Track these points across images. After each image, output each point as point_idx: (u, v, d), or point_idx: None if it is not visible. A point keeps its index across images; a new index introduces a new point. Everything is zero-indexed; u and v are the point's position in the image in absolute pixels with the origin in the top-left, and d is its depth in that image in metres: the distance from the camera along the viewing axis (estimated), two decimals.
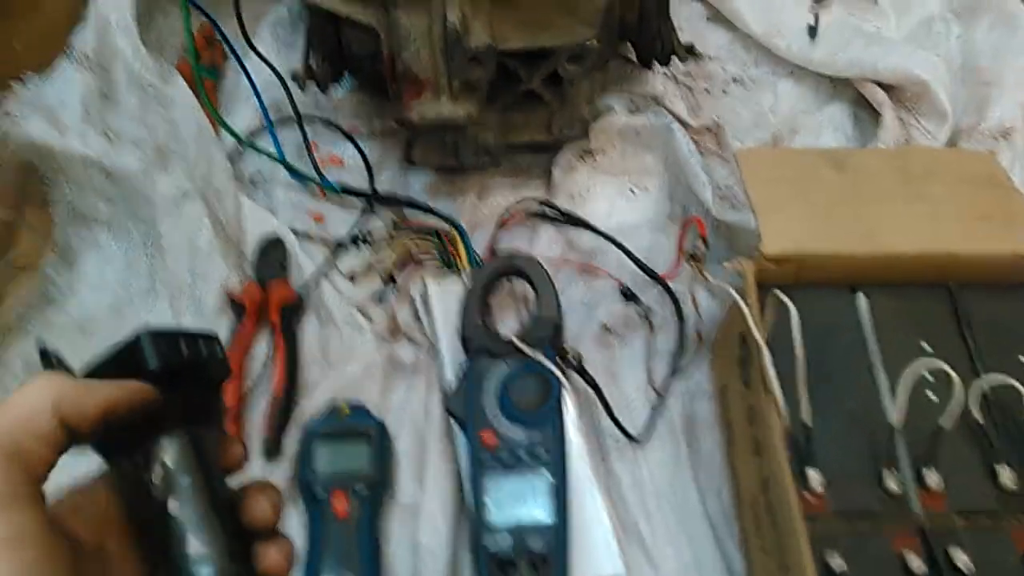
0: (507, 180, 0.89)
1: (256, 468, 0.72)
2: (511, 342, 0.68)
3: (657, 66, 0.88)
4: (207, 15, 0.83)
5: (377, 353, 0.77)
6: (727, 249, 0.83)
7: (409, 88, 0.76)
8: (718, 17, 1.00)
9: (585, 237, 0.84)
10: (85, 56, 0.84)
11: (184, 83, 0.87)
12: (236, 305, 0.78)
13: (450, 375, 0.72)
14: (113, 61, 0.85)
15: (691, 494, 0.71)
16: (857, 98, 0.95)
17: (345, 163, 0.90)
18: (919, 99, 0.88)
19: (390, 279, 0.81)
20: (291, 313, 0.79)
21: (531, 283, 0.72)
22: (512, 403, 0.66)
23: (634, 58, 0.90)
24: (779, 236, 0.66)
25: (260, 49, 0.84)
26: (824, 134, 0.92)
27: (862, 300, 0.67)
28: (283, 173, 0.88)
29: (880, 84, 0.91)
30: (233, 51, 0.85)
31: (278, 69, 0.85)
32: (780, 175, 0.71)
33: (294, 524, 0.68)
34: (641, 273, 0.81)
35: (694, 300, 0.75)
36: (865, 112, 0.94)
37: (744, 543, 0.68)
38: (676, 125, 0.85)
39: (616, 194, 0.88)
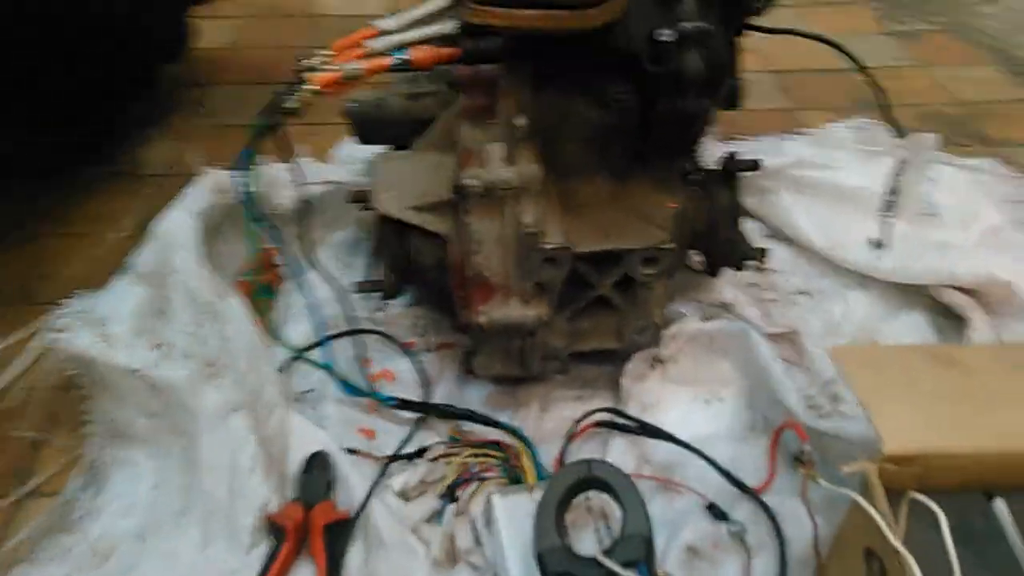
0: (571, 392, 0.84)
1: None
2: (597, 562, 0.59)
3: (725, 276, 0.86)
4: (272, 236, 0.84)
5: None
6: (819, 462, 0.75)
7: (478, 293, 0.73)
8: (779, 234, 0.99)
9: (661, 449, 0.77)
10: (144, 275, 0.83)
11: (238, 300, 0.85)
12: (276, 527, 0.70)
13: None
14: (170, 277, 0.84)
15: None
16: (933, 305, 0.91)
17: (397, 377, 0.86)
18: (1004, 302, 0.84)
19: (448, 497, 0.73)
20: (336, 537, 0.70)
21: (614, 495, 0.64)
22: None
23: (697, 267, 0.88)
24: (899, 434, 0.58)
25: (319, 269, 0.84)
26: (905, 340, 0.87)
27: (1001, 506, 0.58)
28: (333, 389, 0.84)
29: (960, 290, 0.87)
30: (296, 269, 0.84)
31: (336, 286, 0.84)
32: (883, 372, 0.65)
33: None
34: (728, 488, 0.73)
35: (809, 510, 0.65)
36: (943, 319, 0.90)
37: None
38: (753, 330, 0.81)
39: (689, 404, 0.82)
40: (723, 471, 0.73)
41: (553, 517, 0.63)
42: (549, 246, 0.70)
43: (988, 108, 1.29)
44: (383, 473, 0.74)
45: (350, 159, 1.08)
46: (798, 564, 0.69)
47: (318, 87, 0.76)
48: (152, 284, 0.83)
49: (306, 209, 0.93)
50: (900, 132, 0.86)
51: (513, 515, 0.68)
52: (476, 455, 0.75)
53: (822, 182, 1.02)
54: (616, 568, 0.58)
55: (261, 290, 0.94)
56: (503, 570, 0.65)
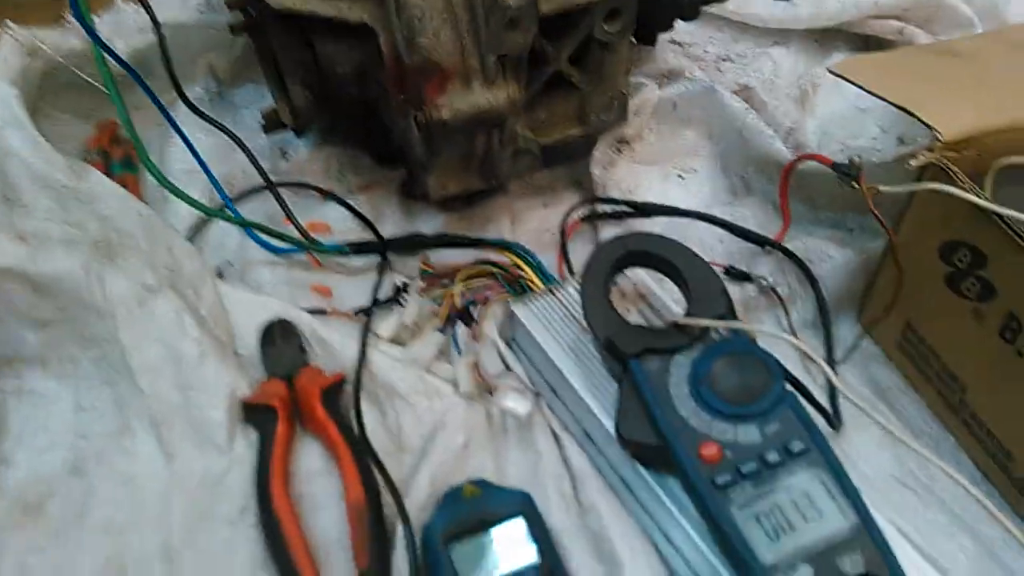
0: (536, 200, 0.74)
1: None
2: (679, 327, 0.51)
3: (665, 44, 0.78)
4: (144, 86, 0.65)
5: (472, 416, 0.57)
6: (809, 206, 0.71)
7: (430, 84, 0.60)
8: None
9: (657, 229, 0.69)
10: None
11: (104, 176, 0.67)
12: (258, 410, 0.56)
13: (592, 403, 0.53)
14: (7, 161, 0.64)
15: (939, 473, 0.54)
16: (853, 43, 0.89)
17: (332, 229, 0.72)
18: (933, 18, 0.83)
19: (451, 329, 0.62)
20: (336, 402, 0.57)
21: (661, 264, 0.55)
22: (723, 398, 0.47)
23: None
24: (948, 121, 0.54)
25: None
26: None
27: None
28: (259, 253, 0.69)
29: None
30: (172, 121, 0.66)
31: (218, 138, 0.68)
32: (898, 74, 0.61)
33: None
34: (738, 250, 0.68)
35: (880, 218, 0.57)
36: (869, 52, 0.88)
37: None
38: (719, 85, 0.74)
39: (664, 182, 0.75)
40: (739, 230, 0.66)
41: (605, 302, 0.53)
42: (512, 3, 0.58)
43: None
44: (369, 318, 0.61)
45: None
46: (837, 303, 0.65)
47: None
48: None
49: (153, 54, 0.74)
50: None
51: (543, 319, 0.58)
52: (469, 276, 0.64)
53: None
54: (709, 323, 0.50)
55: (118, 166, 0.75)
56: (553, 376, 0.56)
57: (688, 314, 0.51)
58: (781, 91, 0.82)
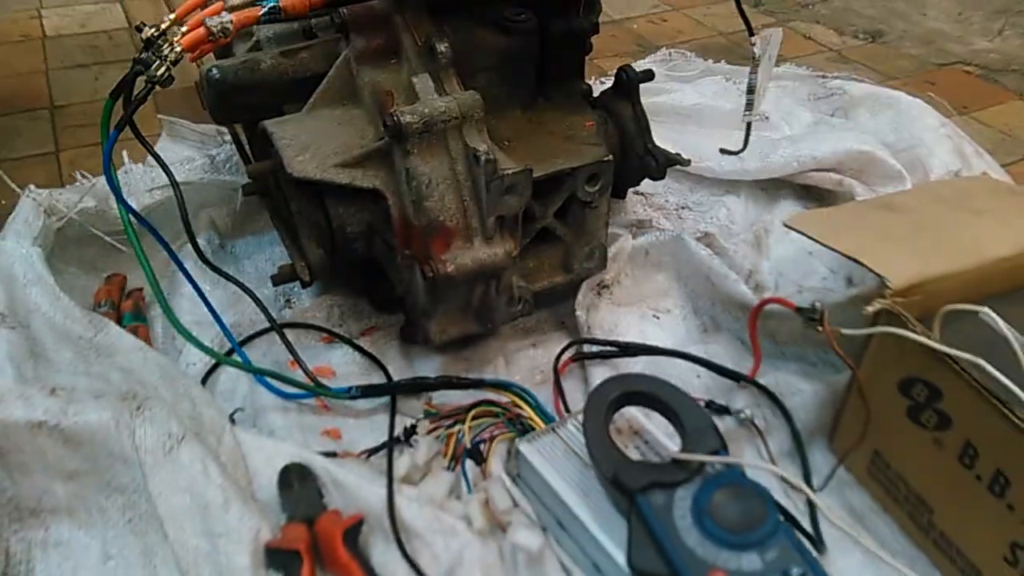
0: (526, 342, 0.80)
1: None
2: (679, 463, 0.56)
3: (631, 195, 0.86)
4: (163, 242, 0.71)
5: (487, 553, 0.60)
6: (772, 342, 0.78)
7: (436, 242, 0.67)
8: None
9: (640, 367, 0.75)
10: (1, 315, 0.66)
11: (120, 329, 0.71)
12: (281, 555, 0.59)
13: (601, 536, 0.57)
14: (32, 316, 0.68)
15: None
16: (797, 192, 0.99)
17: (337, 371, 0.76)
18: (866, 171, 0.93)
19: (460, 467, 0.66)
20: (356, 543, 0.60)
21: (655, 403, 0.61)
22: (725, 528, 0.52)
23: None
24: (896, 270, 0.62)
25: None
26: None
27: (990, 312, 0.63)
28: (268, 399, 0.72)
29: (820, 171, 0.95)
30: (187, 275, 0.71)
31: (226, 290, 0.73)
32: (846, 228, 0.69)
33: None
34: (715, 385, 0.74)
35: (842, 356, 0.64)
36: (810, 200, 0.98)
37: None
38: (686, 234, 0.82)
39: (641, 323, 0.82)
40: (715, 367, 0.73)
41: (608, 440, 0.59)
42: (509, 171, 0.65)
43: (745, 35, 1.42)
44: (390, 459, 0.65)
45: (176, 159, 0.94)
46: (810, 433, 0.71)
47: (182, 48, 0.65)
48: (10, 325, 0.66)
49: (167, 210, 0.79)
50: (750, 30, 0.91)
51: (547, 457, 0.62)
52: (475, 418, 0.68)
53: (663, 106, 1.07)
54: (706, 458, 0.55)
55: (129, 318, 0.78)
56: (561, 511, 0.60)
57: (684, 449, 0.57)
58: (737, 236, 0.91)
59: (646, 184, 0.97)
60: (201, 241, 0.86)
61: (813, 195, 0.99)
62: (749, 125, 0.94)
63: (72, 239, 0.83)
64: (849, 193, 0.92)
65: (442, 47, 0.67)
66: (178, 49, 0.64)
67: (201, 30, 0.65)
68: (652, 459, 0.62)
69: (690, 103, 1.08)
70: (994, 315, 0.57)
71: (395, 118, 0.64)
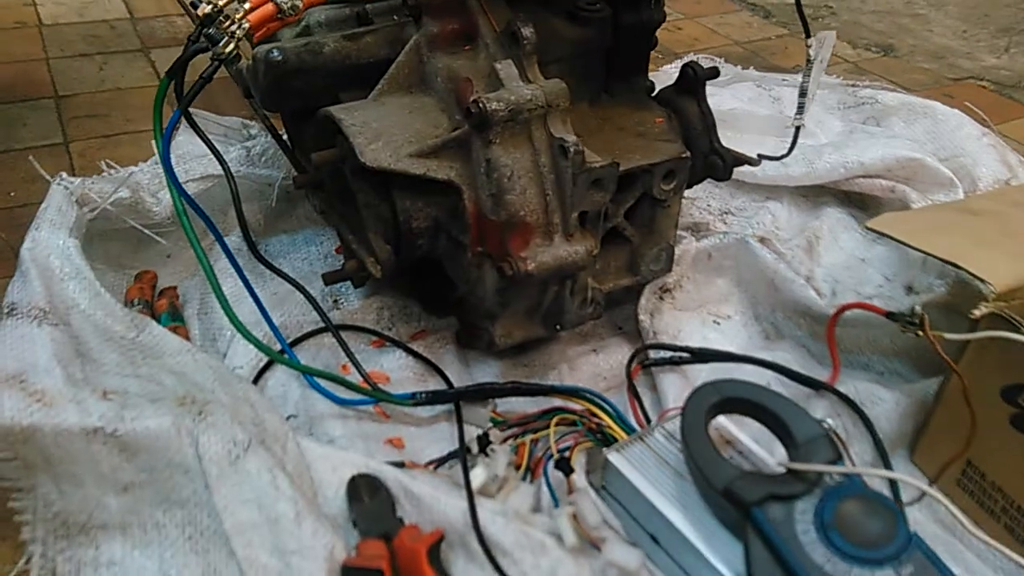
0: (586, 347, 0.76)
1: None
2: (796, 473, 0.53)
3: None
4: (213, 230, 0.66)
5: (581, 572, 0.56)
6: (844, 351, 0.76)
7: (515, 238, 0.63)
8: None
9: (706, 374, 0.72)
10: (41, 311, 0.60)
11: (163, 328, 0.66)
12: (360, 574, 0.54)
13: (708, 552, 0.54)
14: (71, 314, 0.62)
15: None
16: (840, 199, 0.97)
17: (392, 376, 0.71)
18: (914, 179, 0.92)
19: (537, 478, 0.62)
20: (439, 560, 0.56)
21: (760, 409, 0.58)
22: (854, 543, 0.49)
23: None
24: (996, 274, 0.60)
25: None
26: (840, 233, 0.92)
27: None
28: (323, 405, 0.68)
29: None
30: (239, 271, 0.66)
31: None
32: (928, 231, 0.67)
33: None
34: (793, 389, 0.71)
35: (947, 359, 0.61)
36: (854, 208, 0.96)
37: None
38: (750, 237, 0.79)
39: (703, 328, 0.79)
40: (793, 373, 0.70)
41: (714, 449, 0.55)
42: (597, 164, 0.62)
43: (762, 45, 1.42)
44: (467, 474, 0.60)
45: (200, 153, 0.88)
46: (891, 444, 0.68)
47: (250, 25, 0.60)
48: (52, 322, 0.60)
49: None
50: (807, 30, 0.90)
51: (639, 468, 0.59)
52: (548, 426, 0.64)
53: None
54: (826, 468, 0.52)
55: (167, 318, 0.73)
56: (657, 526, 0.56)
57: (793, 459, 0.54)
58: (789, 242, 0.89)
59: (686, 191, 0.96)
60: (233, 239, 0.81)
61: (855, 202, 0.97)
62: (798, 129, 0.91)
63: (96, 234, 0.77)
64: (902, 200, 0.91)
65: (527, 32, 0.63)
66: (246, 25, 0.60)
67: (270, 6, 0.61)
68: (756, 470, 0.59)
69: (727, 108, 1.06)
70: None
71: (480, 105, 0.60)
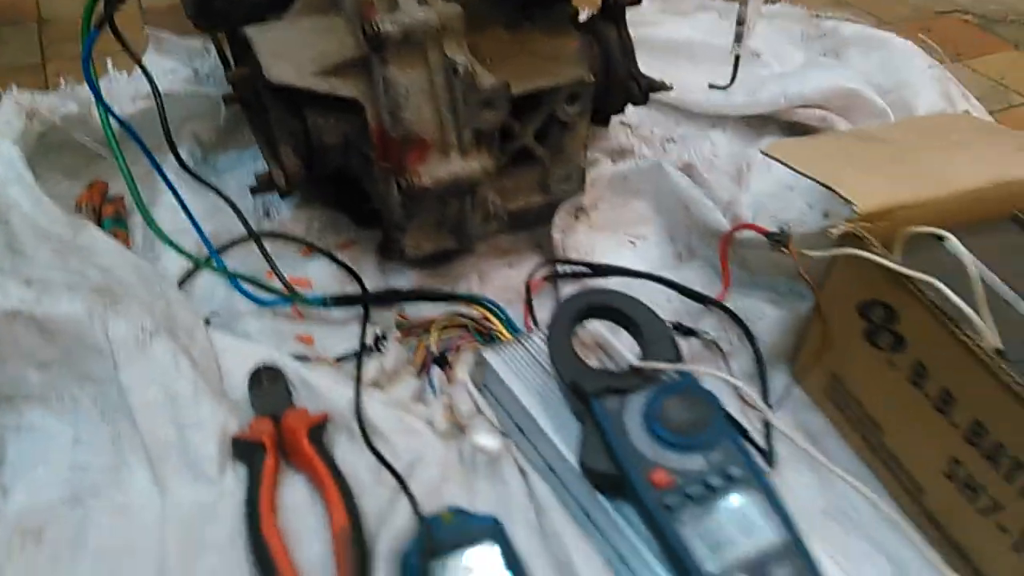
0: (501, 261, 0.81)
1: None
2: (635, 370, 0.58)
3: (617, 125, 0.86)
4: (143, 147, 0.71)
5: (447, 453, 0.62)
6: (745, 271, 0.79)
7: (412, 154, 0.67)
8: None
9: (611, 287, 0.76)
10: None
11: (100, 230, 0.72)
12: (247, 446, 0.61)
13: (558, 440, 0.59)
14: (10, 213, 0.69)
15: (861, 505, 0.62)
16: (783, 128, 0.99)
17: (313, 284, 0.77)
18: (851, 108, 0.93)
19: (426, 374, 0.68)
20: (321, 439, 0.62)
21: (617, 316, 0.62)
22: (672, 431, 0.54)
23: None
24: (865, 196, 0.62)
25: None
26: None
27: (954, 242, 0.64)
28: (244, 305, 0.74)
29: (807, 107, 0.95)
30: (166, 180, 0.72)
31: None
32: (821, 155, 0.70)
33: None
34: (684, 309, 0.75)
35: (808, 280, 0.65)
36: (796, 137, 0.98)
37: (944, 530, 0.59)
38: (666, 162, 0.82)
39: (617, 248, 0.83)
40: (685, 290, 0.74)
41: (570, 348, 0.60)
42: (487, 85, 0.66)
43: None
44: (359, 363, 0.66)
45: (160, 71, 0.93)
46: (771, 356, 0.72)
47: None
48: None
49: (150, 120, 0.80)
50: None
51: (512, 366, 0.64)
52: (444, 328, 0.70)
53: (655, 39, 1.06)
54: (662, 365, 0.57)
55: (109, 223, 0.79)
56: (521, 417, 0.62)
57: (642, 359, 0.58)
58: (719, 169, 0.91)
59: (632, 115, 0.99)
60: (183, 153, 0.85)
61: (798, 132, 0.99)
62: (737, 59, 0.93)
63: (54, 146, 0.83)
64: (832, 128, 0.92)
65: None
66: None
67: None
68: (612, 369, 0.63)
69: (683, 37, 1.07)
70: (955, 240, 0.58)
71: (375, 27, 0.64)
